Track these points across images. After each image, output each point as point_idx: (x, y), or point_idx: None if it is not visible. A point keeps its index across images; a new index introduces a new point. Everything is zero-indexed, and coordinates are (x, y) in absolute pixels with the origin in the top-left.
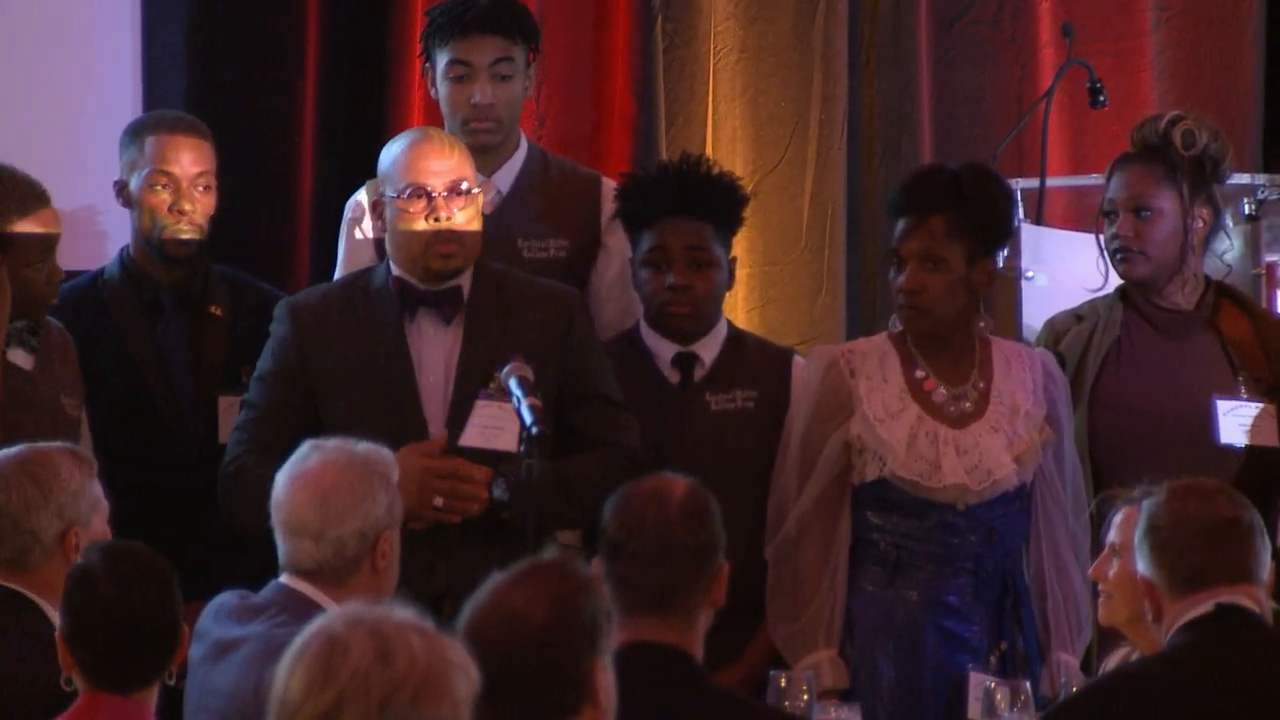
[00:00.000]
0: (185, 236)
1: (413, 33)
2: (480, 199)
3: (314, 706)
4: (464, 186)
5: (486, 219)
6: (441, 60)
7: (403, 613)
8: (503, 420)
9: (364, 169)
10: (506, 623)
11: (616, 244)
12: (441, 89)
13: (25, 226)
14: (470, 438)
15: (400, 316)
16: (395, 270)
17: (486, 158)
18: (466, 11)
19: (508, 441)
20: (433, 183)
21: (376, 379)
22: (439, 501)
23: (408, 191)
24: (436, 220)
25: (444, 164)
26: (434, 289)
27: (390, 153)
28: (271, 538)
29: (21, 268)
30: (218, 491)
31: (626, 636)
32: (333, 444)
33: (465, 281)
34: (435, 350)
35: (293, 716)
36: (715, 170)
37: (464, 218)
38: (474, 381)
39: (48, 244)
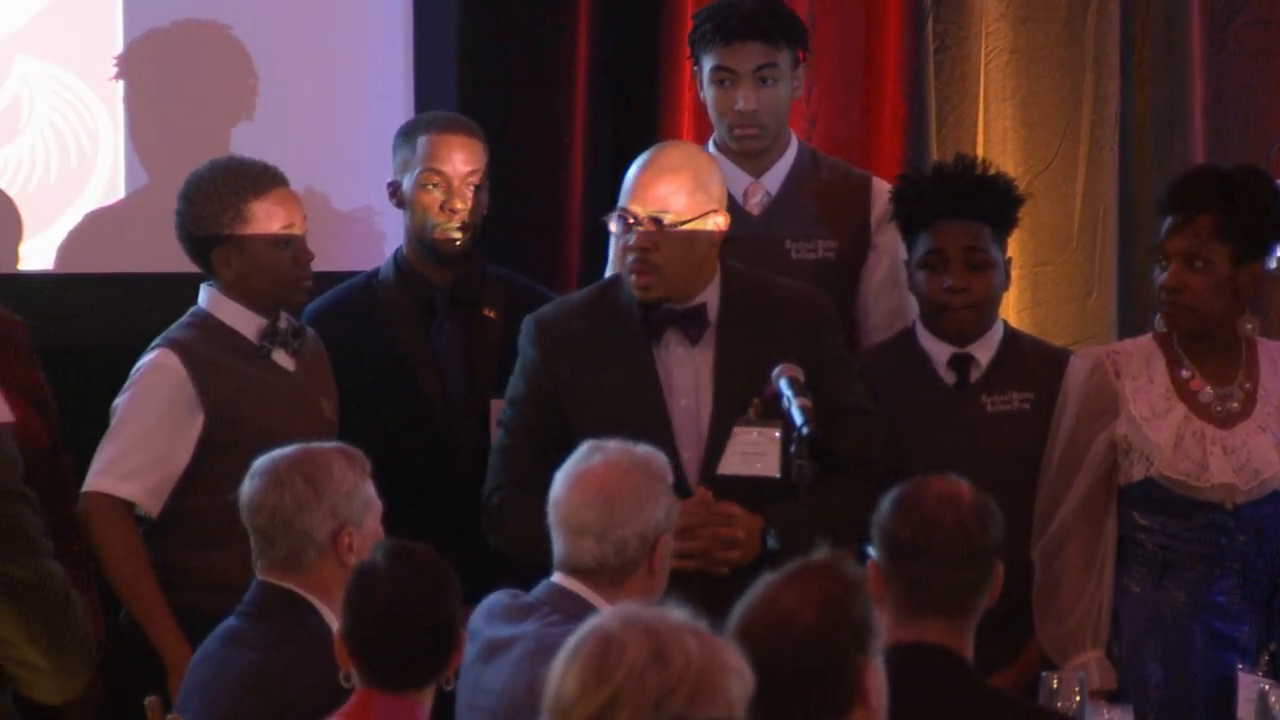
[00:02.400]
0: (455, 235)
1: (683, 34)
2: (688, 229)
3: (588, 705)
4: (666, 219)
5: (754, 220)
6: (707, 65)
7: (678, 614)
8: (763, 446)
9: None
10: (776, 623)
11: (886, 244)
12: (707, 94)
13: (262, 206)
14: (730, 465)
15: (647, 337)
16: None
17: (755, 159)
18: (730, 18)
19: (769, 467)
20: (634, 208)
21: (625, 403)
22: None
23: (615, 218)
24: (628, 247)
25: (653, 192)
26: (676, 308)
27: (632, 165)
28: (539, 560)
29: (264, 248)
30: (482, 517)
31: (901, 637)
32: (613, 445)
33: (710, 296)
34: (685, 372)
35: (567, 715)
36: (991, 171)
37: (664, 248)
38: (729, 404)
39: (287, 223)
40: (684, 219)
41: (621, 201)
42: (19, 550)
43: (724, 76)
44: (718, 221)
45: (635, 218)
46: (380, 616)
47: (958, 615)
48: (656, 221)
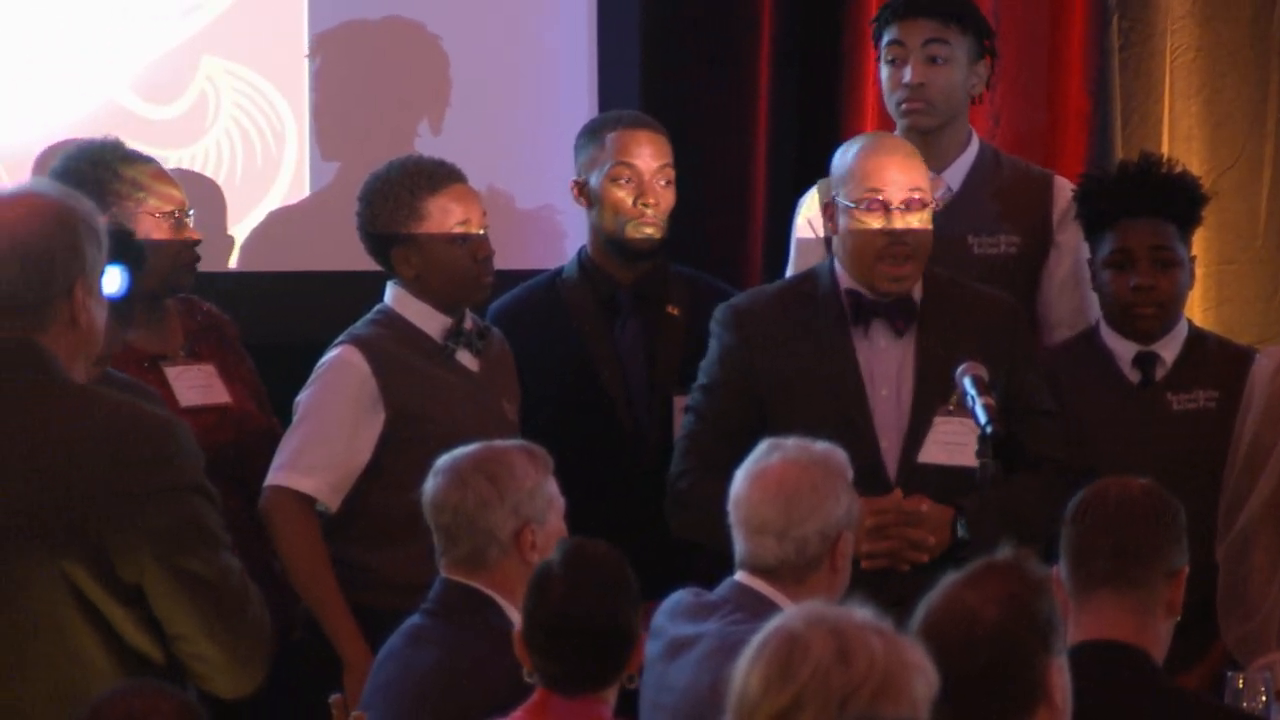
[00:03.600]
0: (648, 232)
1: (866, 29)
2: (931, 209)
3: (773, 704)
4: (918, 198)
5: (936, 216)
6: (882, 44)
7: (862, 613)
8: (964, 436)
9: (816, 166)
10: (960, 622)
11: (1068, 241)
12: (882, 74)
13: (438, 203)
14: (931, 454)
15: (848, 326)
16: (844, 278)
17: (935, 154)
18: None
19: (969, 457)
20: (890, 193)
21: (826, 392)
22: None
23: (865, 204)
24: (892, 235)
25: (902, 175)
26: (884, 299)
27: (846, 157)
28: (723, 546)
29: (441, 245)
30: (665, 503)
31: (1085, 635)
32: (792, 443)
33: (917, 290)
34: (887, 363)
35: (752, 714)
36: (1176, 169)
37: (919, 229)
38: (931, 395)
39: (463, 219)
40: (930, 199)
41: (865, 186)
42: (198, 545)
43: (895, 53)
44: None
45: (890, 204)
46: (552, 620)
47: (1133, 612)
48: (911, 204)
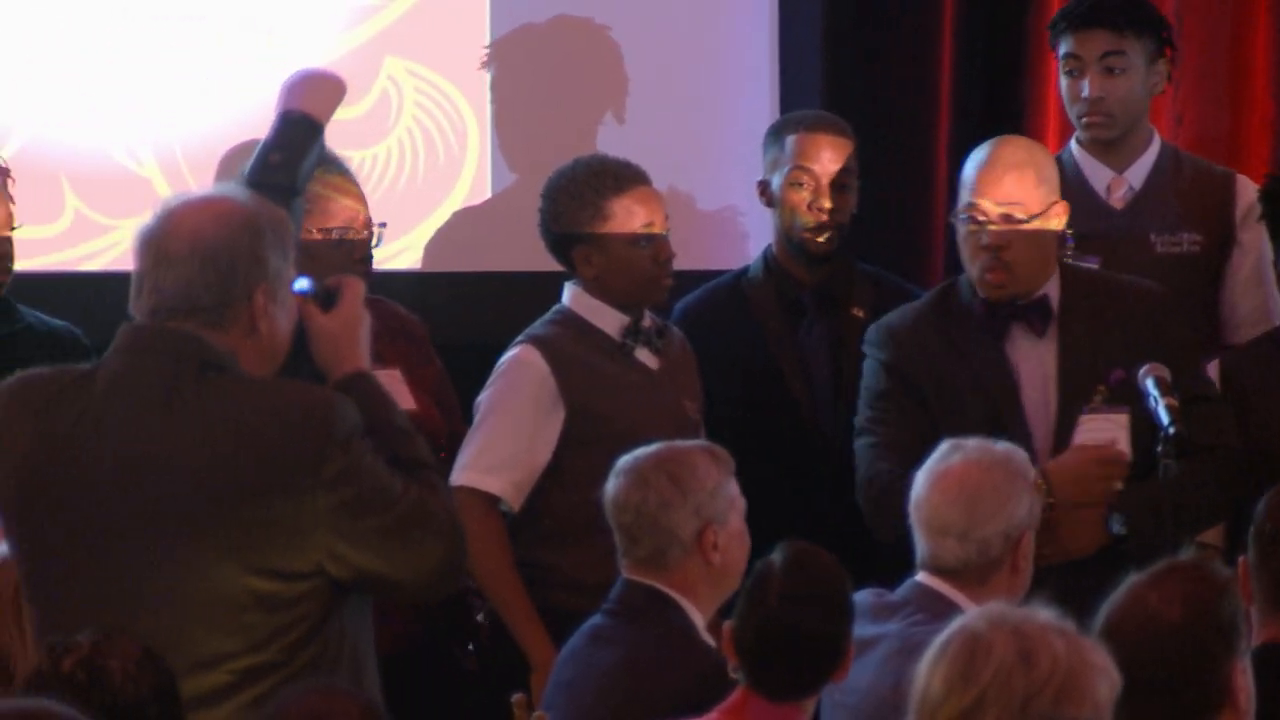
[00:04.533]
0: (822, 234)
1: (1047, 30)
2: (1038, 225)
3: (955, 705)
4: (1013, 214)
5: (1118, 214)
6: (1060, 53)
7: (1044, 614)
8: (1110, 433)
9: None
10: (1142, 623)
11: (1251, 240)
12: (1061, 81)
13: (622, 204)
14: None
15: (994, 333)
16: (981, 289)
17: (1117, 155)
18: (1080, 5)
19: None
20: (985, 207)
21: (978, 399)
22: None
23: (965, 216)
24: (985, 248)
25: (1004, 189)
26: (1020, 302)
27: (965, 165)
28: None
29: (623, 246)
30: (864, 504)
31: (1269, 636)
32: (973, 444)
33: (1053, 289)
34: (1031, 364)
35: (934, 714)
36: None
37: (1016, 245)
38: (1075, 394)
39: (647, 221)
40: (1033, 214)
41: (967, 198)
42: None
43: (1072, 65)
44: (1060, 215)
45: (985, 215)
46: (766, 624)
47: None
48: (1007, 219)
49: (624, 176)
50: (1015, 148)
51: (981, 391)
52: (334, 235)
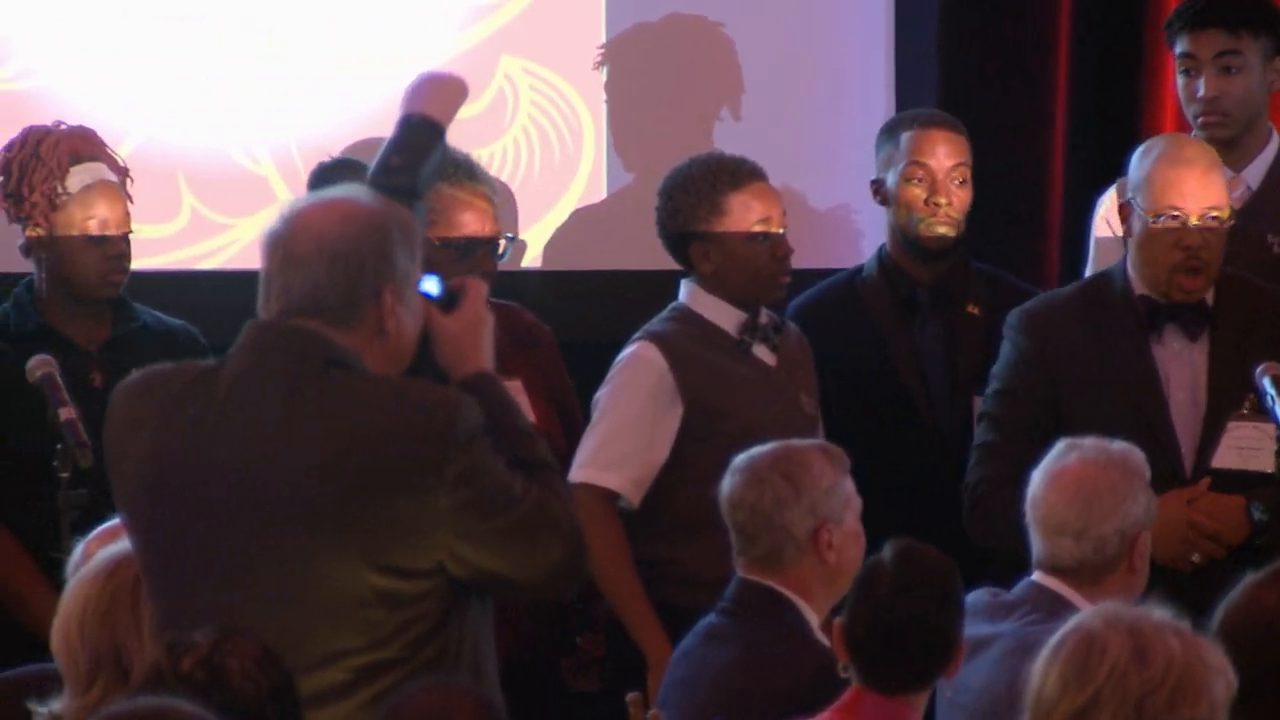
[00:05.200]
0: (940, 231)
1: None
2: (1227, 225)
3: (1070, 703)
4: (1215, 216)
5: (1235, 214)
6: (1176, 52)
7: (1160, 613)
8: (1259, 441)
9: (1115, 164)
10: (1259, 623)
11: None
12: (1178, 80)
13: (739, 200)
14: (1225, 459)
15: (1145, 332)
16: (1136, 283)
17: (1234, 153)
18: (1195, 4)
19: (1264, 462)
20: (1188, 209)
21: (1124, 396)
22: (1196, 558)
23: (1161, 218)
24: (1188, 251)
25: (1201, 191)
26: (1180, 303)
27: (1144, 162)
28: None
29: (740, 243)
30: (963, 507)
31: None
32: (1090, 443)
33: (1208, 293)
34: (1182, 367)
35: (1049, 713)
36: None
37: (1215, 244)
38: (1225, 399)
39: (764, 217)
40: (1228, 216)
41: (1166, 199)
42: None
43: (1188, 65)
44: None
45: (1187, 215)
46: (878, 617)
47: None
48: (1209, 220)
49: (741, 173)
50: (1201, 148)
51: (1125, 388)
52: (458, 246)
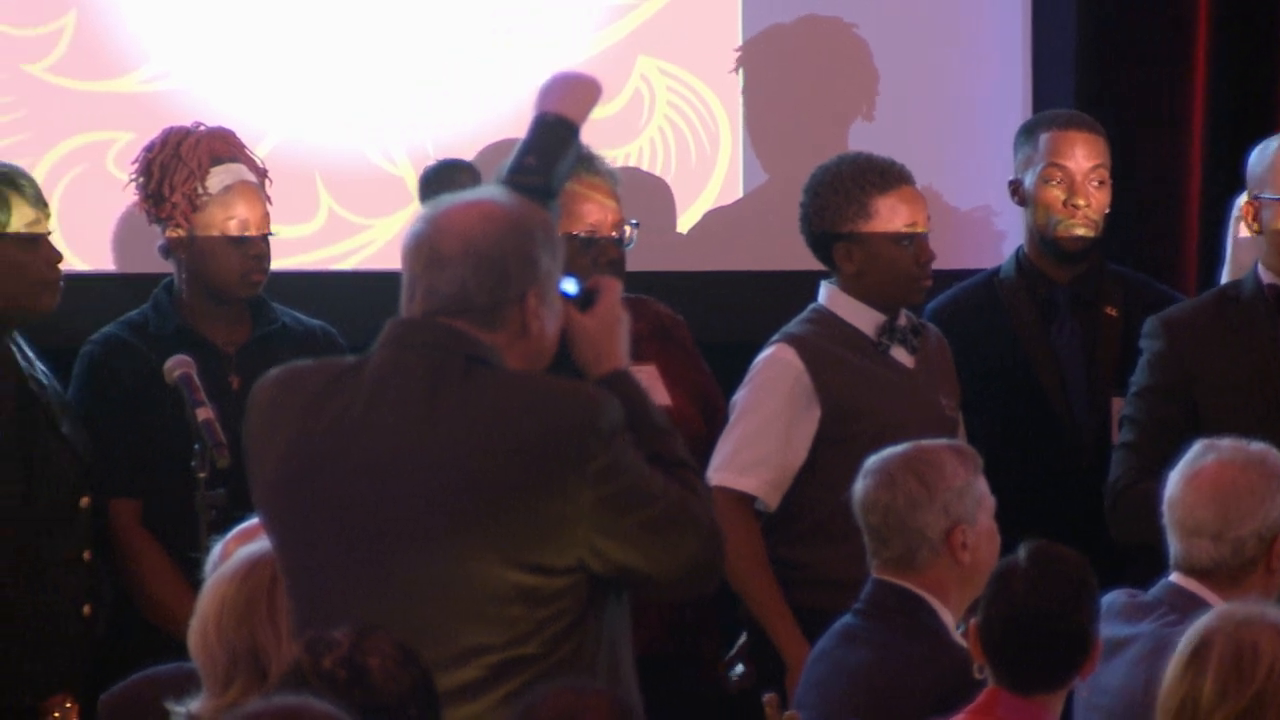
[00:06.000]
0: (1079, 232)
1: None
2: None
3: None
4: None
5: None
6: None
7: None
8: None
9: None
10: None
11: None
12: None
13: (886, 203)
14: None
15: (1277, 326)
16: (1266, 275)
17: None
18: None
19: None
20: None
21: (1261, 395)
22: None
23: None
24: None
25: None
26: None
27: (1264, 155)
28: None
29: (885, 245)
30: (1105, 508)
31: None
32: (1227, 444)
33: None
34: None
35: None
36: None
37: None
38: None
39: (910, 221)
40: None
41: None
42: (634, 500)
43: None
44: None
45: None
46: (1013, 617)
47: None
48: None
49: (890, 175)
50: None
51: (1264, 385)
52: (581, 239)
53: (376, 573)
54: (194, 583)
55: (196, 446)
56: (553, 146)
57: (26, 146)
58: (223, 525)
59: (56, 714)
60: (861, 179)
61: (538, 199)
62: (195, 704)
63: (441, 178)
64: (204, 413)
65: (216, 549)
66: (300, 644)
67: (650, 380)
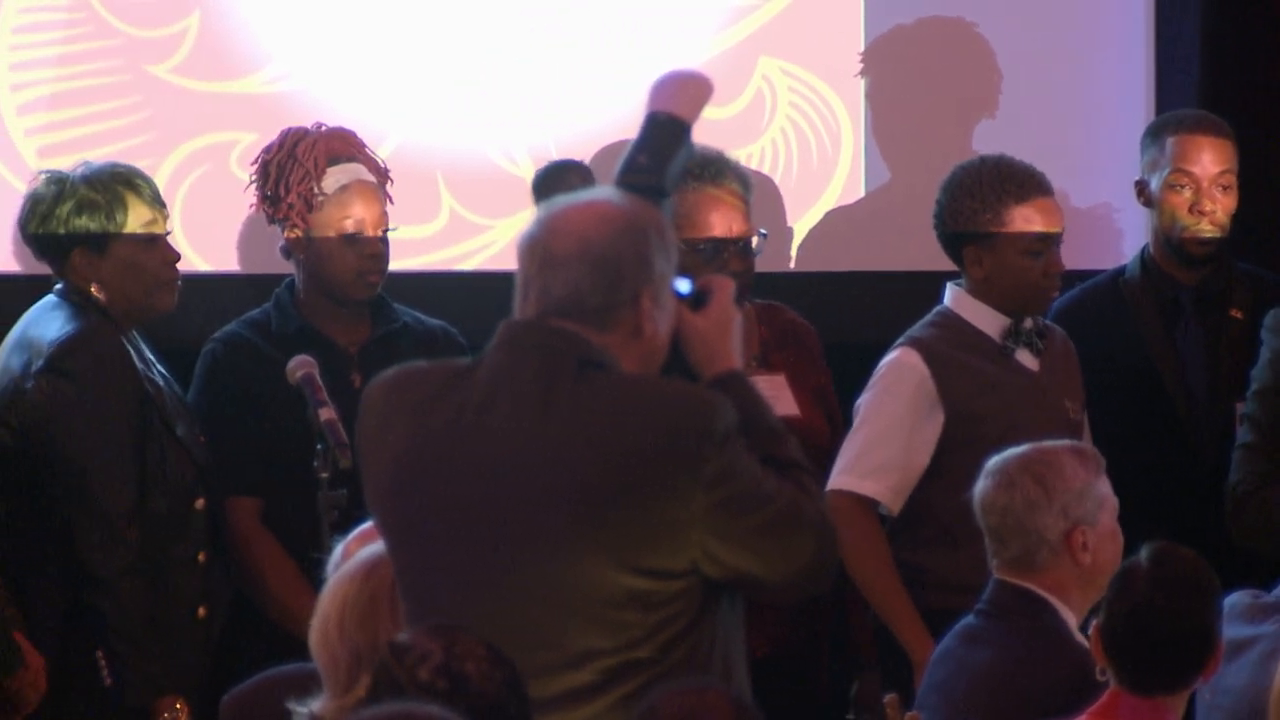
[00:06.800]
0: (1206, 235)
1: None
2: None
3: None
4: None
5: None
6: None
7: None
8: None
9: None
10: None
11: None
12: None
13: (1021, 212)
14: None
15: None
16: None
17: None
18: None
19: None
20: None
21: None
22: None
23: None
24: None
25: None
26: None
27: None
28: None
29: (1015, 254)
30: (1225, 510)
31: None
32: None
33: None
34: None
35: None
36: None
37: None
38: None
39: (1044, 231)
40: None
41: None
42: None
43: None
44: None
45: None
46: (1134, 617)
47: None
48: None
49: (1028, 185)
50: None
51: None
52: (705, 248)
53: (488, 576)
54: (315, 583)
55: (319, 447)
56: (665, 145)
57: (150, 148)
58: (344, 526)
59: (167, 715)
60: (999, 185)
61: (650, 198)
62: (317, 704)
63: (553, 179)
64: (326, 413)
65: (338, 549)
66: (387, 652)
67: (778, 390)
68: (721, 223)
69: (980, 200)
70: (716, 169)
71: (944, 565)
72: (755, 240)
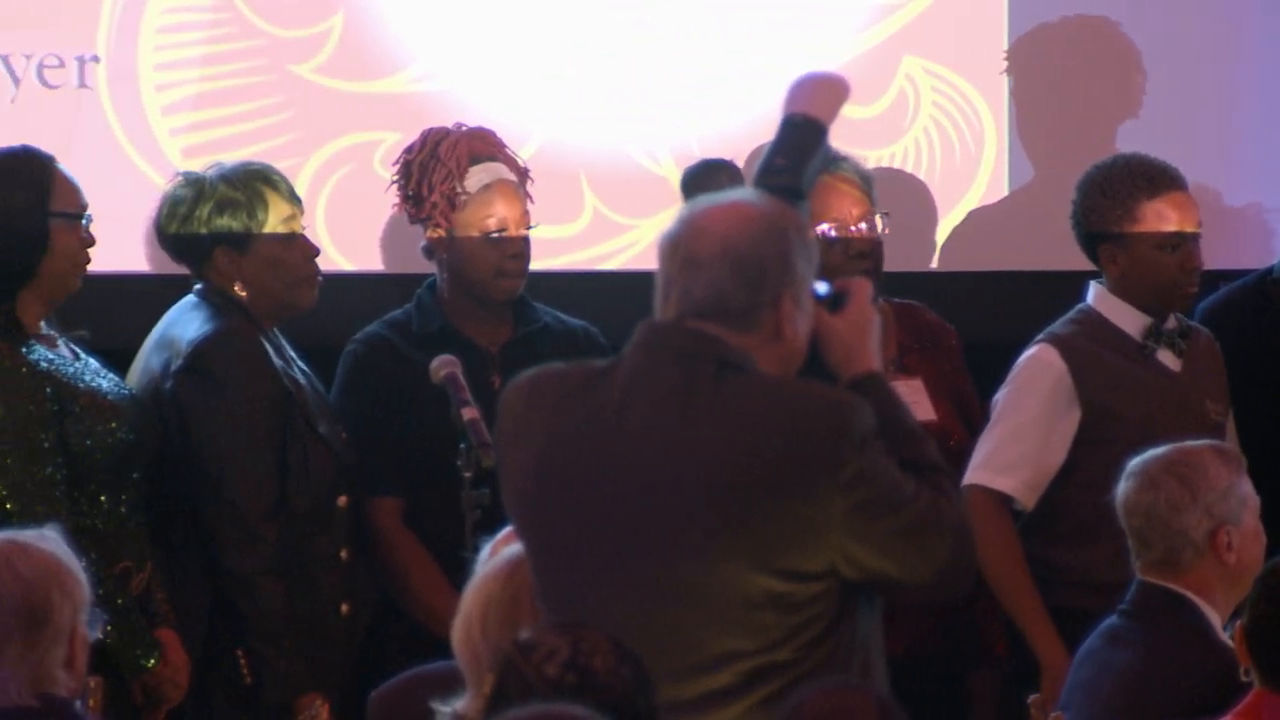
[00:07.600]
0: None
1: None
2: None
3: None
4: None
5: None
6: None
7: None
8: None
9: None
10: None
11: None
12: None
13: (1154, 208)
14: None
15: None
16: None
17: None
18: None
19: None
20: None
21: None
22: None
23: None
24: None
25: None
26: None
27: None
28: None
29: (1149, 250)
30: None
31: None
32: None
33: None
34: None
35: None
36: None
37: None
38: None
39: (1178, 227)
40: None
41: None
42: (886, 506)
43: None
44: None
45: None
46: (1278, 618)
47: None
48: None
49: (1160, 180)
50: None
51: None
52: (830, 232)
53: (627, 577)
54: (459, 582)
55: (462, 446)
56: (802, 147)
57: (294, 147)
58: (488, 525)
59: (308, 712)
60: (1130, 182)
61: (788, 199)
62: (460, 703)
63: (702, 178)
64: (470, 412)
65: (485, 549)
66: (514, 650)
67: (915, 394)
68: (841, 207)
69: (1113, 197)
70: (833, 162)
71: (1081, 564)
72: (879, 222)
